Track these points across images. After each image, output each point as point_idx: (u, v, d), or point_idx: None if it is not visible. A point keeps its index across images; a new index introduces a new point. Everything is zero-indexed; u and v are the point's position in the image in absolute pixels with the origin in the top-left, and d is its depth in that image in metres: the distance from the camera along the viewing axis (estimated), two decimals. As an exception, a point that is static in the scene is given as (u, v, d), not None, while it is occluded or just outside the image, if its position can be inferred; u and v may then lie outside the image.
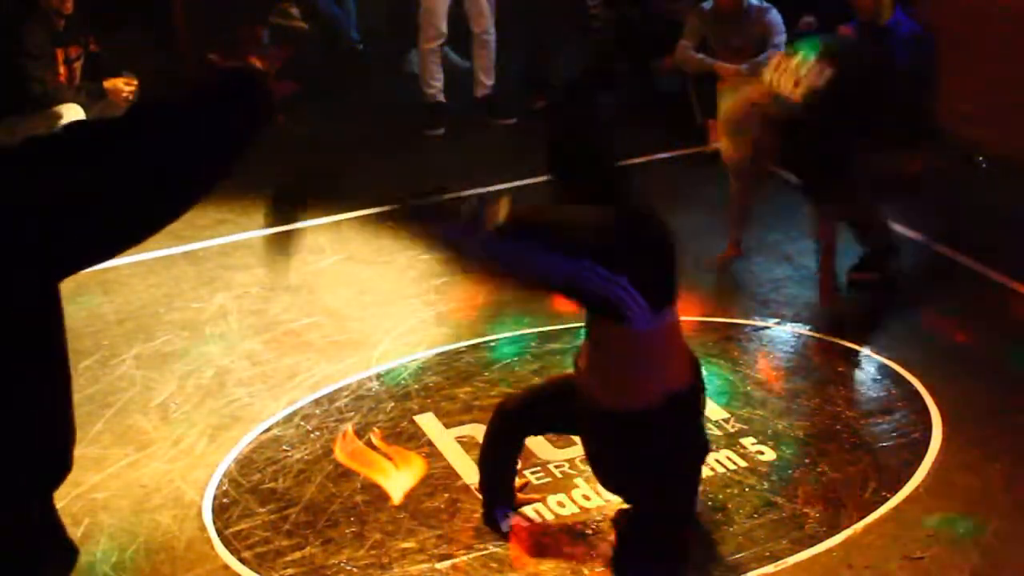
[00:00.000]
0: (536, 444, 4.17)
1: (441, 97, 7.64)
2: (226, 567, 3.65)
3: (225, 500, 3.97)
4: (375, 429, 4.32)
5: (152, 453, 4.24)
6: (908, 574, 3.58)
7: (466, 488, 3.99)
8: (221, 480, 4.07)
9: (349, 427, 4.33)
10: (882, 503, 3.87)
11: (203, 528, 3.83)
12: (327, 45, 8.66)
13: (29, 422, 1.98)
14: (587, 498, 3.92)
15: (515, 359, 4.82)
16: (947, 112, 7.03)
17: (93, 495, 4.00)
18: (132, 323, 5.22)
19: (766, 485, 3.98)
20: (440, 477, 4.06)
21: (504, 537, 3.73)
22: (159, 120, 1.99)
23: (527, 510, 3.84)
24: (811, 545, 3.68)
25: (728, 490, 3.95)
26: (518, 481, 3.92)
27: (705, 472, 3.82)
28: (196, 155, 2.01)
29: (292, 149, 7.25)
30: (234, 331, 5.11)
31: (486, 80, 7.72)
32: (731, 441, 4.22)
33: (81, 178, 1.89)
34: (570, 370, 3.72)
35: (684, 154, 7.07)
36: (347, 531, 3.81)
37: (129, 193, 1.93)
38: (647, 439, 3.42)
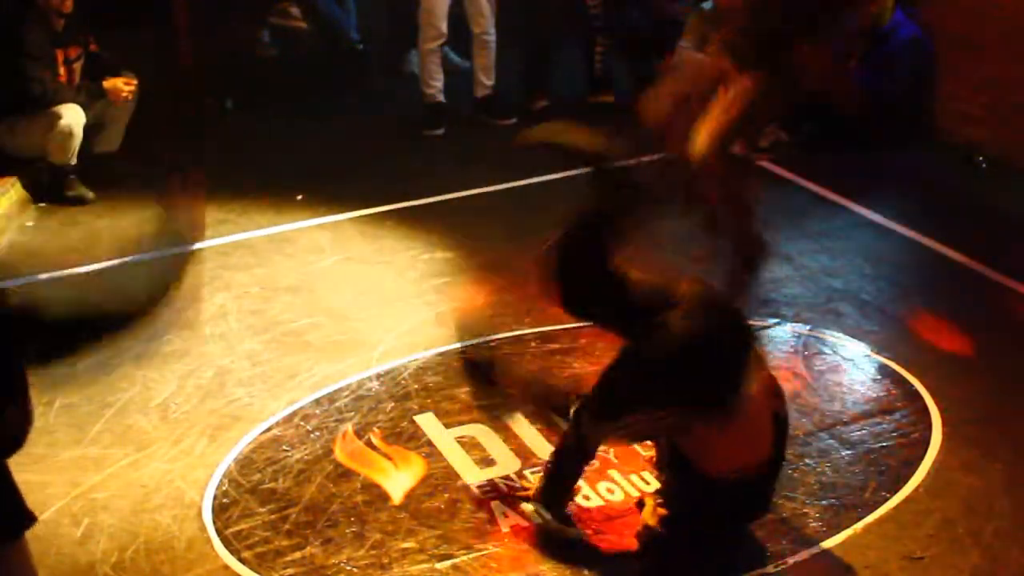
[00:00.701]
0: (536, 444, 4.18)
1: (441, 97, 7.63)
2: (226, 567, 3.65)
3: (225, 500, 3.97)
4: (375, 429, 4.32)
5: (152, 453, 4.24)
6: (908, 574, 3.58)
7: (466, 488, 3.99)
8: (221, 480, 4.07)
9: (349, 427, 4.33)
10: (882, 503, 3.88)
11: (203, 528, 3.83)
12: (327, 45, 8.67)
13: None
14: (587, 498, 3.92)
15: (515, 359, 4.82)
16: (947, 112, 7.05)
17: (93, 495, 3.99)
18: (132, 323, 5.21)
19: (766, 485, 3.98)
20: (440, 477, 4.06)
21: (504, 537, 3.74)
22: None
23: (528, 508, 3.85)
24: (811, 545, 3.69)
25: (728, 490, 3.95)
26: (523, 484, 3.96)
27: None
28: None
29: (292, 149, 7.30)
30: (234, 331, 5.10)
31: (486, 80, 7.71)
32: (731, 441, 4.21)
33: None
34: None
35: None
36: (347, 531, 3.81)
37: None
38: (711, 504, 3.51)
